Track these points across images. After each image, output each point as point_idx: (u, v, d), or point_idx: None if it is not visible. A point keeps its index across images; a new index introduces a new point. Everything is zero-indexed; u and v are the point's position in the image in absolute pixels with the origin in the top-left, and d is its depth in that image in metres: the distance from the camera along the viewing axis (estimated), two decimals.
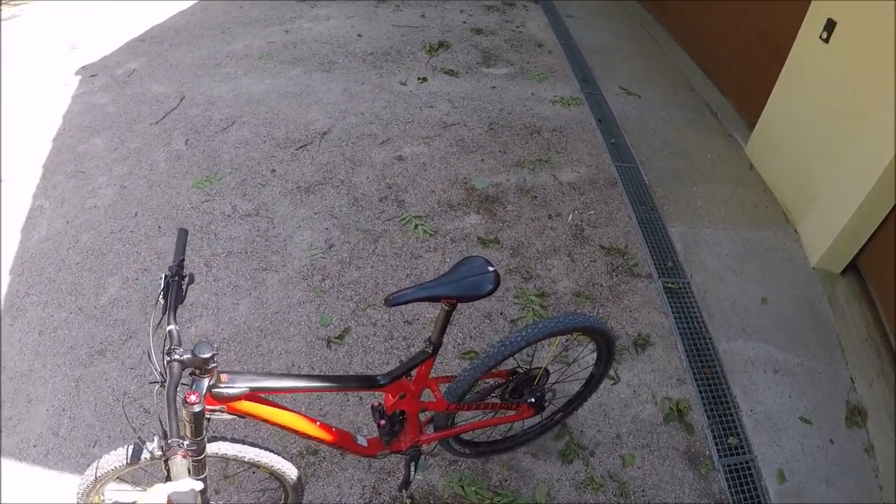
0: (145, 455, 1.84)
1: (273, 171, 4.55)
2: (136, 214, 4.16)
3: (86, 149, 4.79)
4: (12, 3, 7.46)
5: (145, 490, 1.45)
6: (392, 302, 1.91)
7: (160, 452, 1.65)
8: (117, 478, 2.00)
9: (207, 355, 1.61)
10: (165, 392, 1.56)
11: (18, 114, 5.28)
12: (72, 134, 5.00)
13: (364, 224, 4.15)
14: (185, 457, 1.51)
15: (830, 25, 4.09)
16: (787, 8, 4.82)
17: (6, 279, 3.75)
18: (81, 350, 3.36)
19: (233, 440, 1.97)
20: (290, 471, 2.17)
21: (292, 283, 3.75)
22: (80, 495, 2.00)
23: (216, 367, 1.68)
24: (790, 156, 4.61)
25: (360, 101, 5.43)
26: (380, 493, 2.82)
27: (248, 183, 4.43)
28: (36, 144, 4.86)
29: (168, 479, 1.74)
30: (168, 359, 1.60)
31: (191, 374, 1.66)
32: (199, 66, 5.92)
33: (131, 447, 1.86)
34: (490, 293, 2.02)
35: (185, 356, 1.60)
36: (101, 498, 2.13)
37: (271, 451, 2.08)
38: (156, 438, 1.67)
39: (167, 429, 1.64)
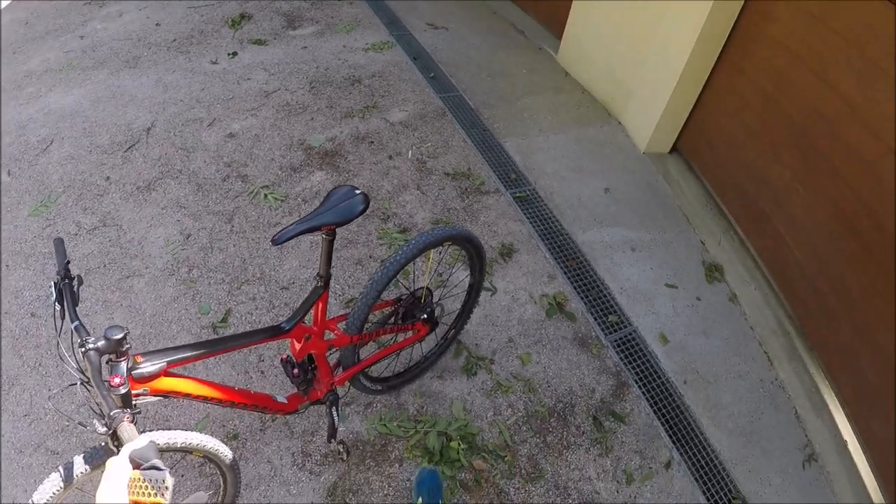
0: (105, 453, 1.79)
1: (107, 178, 4.27)
2: None
3: None
4: None
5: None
6: (277, 240, 1.90)
7: (105, 428, 1.59)
8: None
9: (120, 336, 1.59)
10: (91, 377, 1.57)
11: None
12: None
13: (214, 206, 4.00)
14: (130, 422, 1.50)
15: None
16: None
17: None
18: None
19: (160, 431, 1.91)
20: (223, 450, 2.12)
21: (160, 282, 3.57)
22: None
23: (130, 348, 1.67)
24: (601, 57, 4.86)
25: (176, 90, 5.17)
26: (310, 455, 2.80)
27: (85, 197, 4.13)
28: None
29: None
30: (83, 350, 1.60)
31: (107, 363, 1.65)
32: None
33: (62, 469, 1.79)
34: (363, 212, 2.07)
35: (100, 343, 1.59)
36: None
37: (201, 434, 2.03)
38: (95, 422, 1.61)
39: (103, 409, 1.61)
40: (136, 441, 1.33)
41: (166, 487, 1.20)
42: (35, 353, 3.25)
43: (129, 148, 4.54)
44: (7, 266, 3.69)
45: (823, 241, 3.18)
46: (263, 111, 4.87)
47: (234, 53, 5.64)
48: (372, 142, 4.52)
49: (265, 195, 4.06)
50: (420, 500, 2.10)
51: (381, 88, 5.13)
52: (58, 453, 2.84)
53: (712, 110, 4.03)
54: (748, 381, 3.19)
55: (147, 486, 1.20)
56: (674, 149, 4.45)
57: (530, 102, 4.96)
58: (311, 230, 1.98)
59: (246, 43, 5.83)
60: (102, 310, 3.43)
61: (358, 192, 2.10)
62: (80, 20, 6.56)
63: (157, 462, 1.25)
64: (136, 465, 1.26)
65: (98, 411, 1.63)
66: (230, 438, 2.86)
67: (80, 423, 1.79)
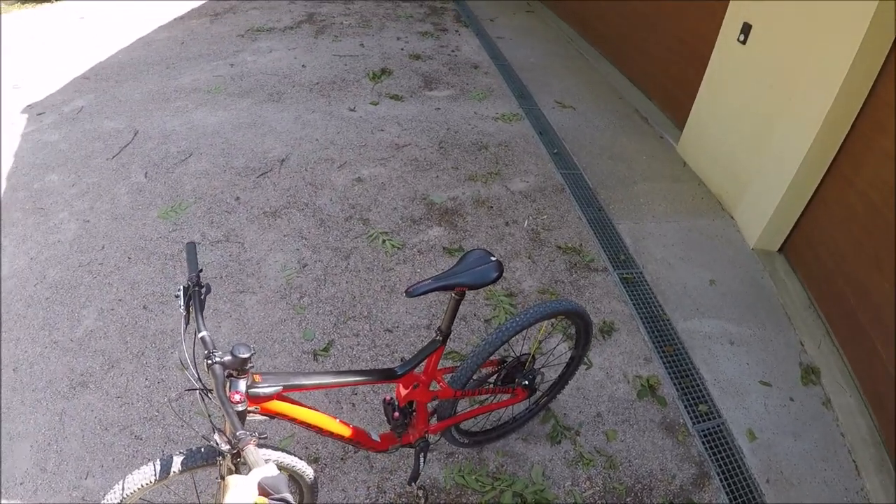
0: (204, 456, 1.90)
1: (237, 198, 4.66)
2: (103, 247, 4.19)
3: (42, 186, 4.79)
4: None
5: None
6: (412, 293, 2.05)
7: (228, 447, 1.67)
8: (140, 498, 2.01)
9: (246, 355, 1.70)
10: (216, 393, 1.63)
11: None
12: (25, 172, 5.00)
13: (333, 242, 4.30)
14: (256, 445, 1.52)
15: (746, 28, 4.49)
16: (704, 15, 5.22)
17: None
18: (62, 383, 3.34)
19: (258, 446, 2.02)
20: (307, 471, 2.26)
21: (271, 302, 3.86)
22: None
23: (252, 367, 1.78)
24: (719, 151, 4.98)
25: (314, 129, 5.58)
26: (384, 492, 2.94)
27: (213, 211, 4.52)
28: None
29: (235, 472, 1.83)
30: (208, 362, 1.67)
31: (227, 377, 1.73)
32: (148, 101, 5.98)
33: (158, 462, 1.89)
34: (496, 279, 2.21)
35: (226, 358, 1.68)
36: None
37: (291, 453, 2.17)
38: (217, 437, 1.69)
39: (222, 426, 1.74)
40: (265, 468, 1.37)
41: None
42: (140, 342, 3.57)
43: (262, 174, 4.94)
44: (129, 258, 4.08)
45: None
46: (392, 162, 5.20)
47: (375, 102, 6.01)
48: (491, 206, 4.76)
49: (383, 240, 4.34)
50: None
51: (506, 157, 5.39)
52: (141, 439, 3.08)
53: (819, 217, 4.08)
54: (833, 488, 3.17)
55: None
56: (783, 247, 4.50)
57: (646, 188, 5.11)
58: (444, 288, 2.12)
59: (384, 96, 6.24)
60: (212, 317, 3.73)
61: (493, 258, 2.25)
62: (233, 50, 7.18)
63: (289, 496, 1.29)
64: (264, 492, 1.30)
65: (211, 421, 1.75)
66: (311, 461, 3.02)
67: (203, 437, 1.85)
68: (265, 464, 1.41)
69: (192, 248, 2.05)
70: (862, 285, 3.63)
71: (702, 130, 5.27)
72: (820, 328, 3.92)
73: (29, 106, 6.06)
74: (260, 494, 1.30)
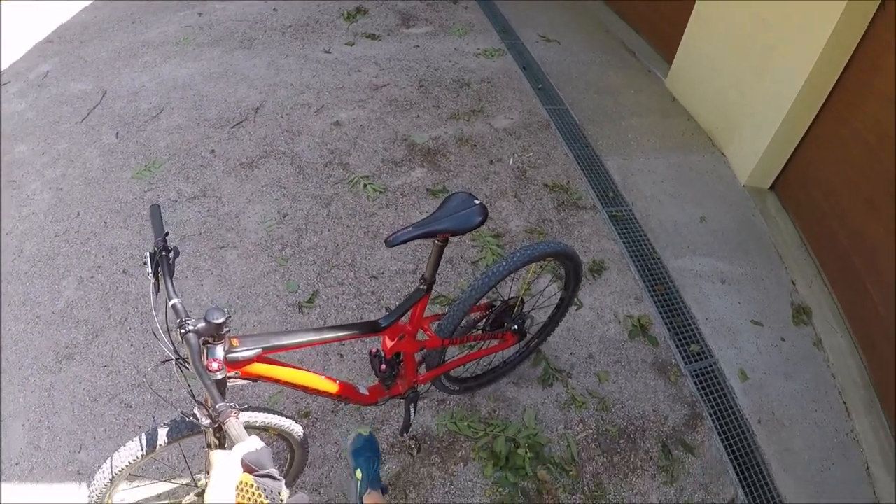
0: (188, 426, 1.86)
1: (212, 151, 4.49)
2: (78, 214, 4.03)
3: (11, 157, 4.56)
4: None
5: (164, 481, 1.36)
6: (392, 242, 1.95)
7: (209, 421, 1.62)
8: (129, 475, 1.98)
9: (221, 320, 1.60)
10: (192, 364, 1.54)
11: None
12: None
13: (313, 190, 4.16)
14: (237, 417, 1.43)
15: None
16: None
17: None
18: (47, 357, 3.25)
19: (242, 408, 1.96)
20: (296, 429, 2.20)
21: (252, 256, 3.74)
22: (93, 502, 1.95)
23: (228, 332, 1.68)
24: (710, 86, 4.83)
25: (288, 73, 5.38)
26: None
27: (188, 166, 4.36)
28: None
29: (219, 446, 1.78)
30: (182, 331, 1.57)
31: (203, 344, 1.64)
32: (115, 59, 5.72)
33: (144, 436, 1.84)
34: (480, 224, 2.11)
35: (200, 325, 1.59)
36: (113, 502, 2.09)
37: (277, 412, 2.10)
38: (197, 411, 1.65)
39: (202, 398, 1.65)
40: (247, 443, 1.30)
41: (282, 500, 1.19)
42: (122, 308, 3.46)
43: (237, 125, 4.76)
44: (105, 223, 3.94)
45: None
46: (371, 104, 5.03)
47: (351, 43, 5.81)
48: (475, 145, 4.61)
49: (364, 185, 4.20)
50: (359, 472, 2.03)
51: (489, 94, 5.22)
52: (131, 407, 3.02)
53: (813, 155, 3.98)
54: (823, 429, 3.14)
55: (259, 494, 1.19)
56: (774, 185, 4.40)
57: (635, 124, 4.98)
58: (426, 236, 2.03)
59: (359, 36, 6.02)
60: (193, 275, 3.62)
61: (477, 202, 2.13)
62: None
63: (274, 471, 1.24)
64: (248, 469, 1.24)
65: (191, 392, 1.66)
66: (301, 416, 2.98)
67: (182, 413, 1.78)
68: (248, 437, 1.34)
69: (156, 211, 1.92)
70: (855, 227, 3.56)
71: (692, 64, 5.11)
72: (811, 267, 3.86)
73: None
74: (244, 471, 1.23)
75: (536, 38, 6.17)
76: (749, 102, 4.33)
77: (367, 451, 2.08)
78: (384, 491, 1.86)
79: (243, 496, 1.18)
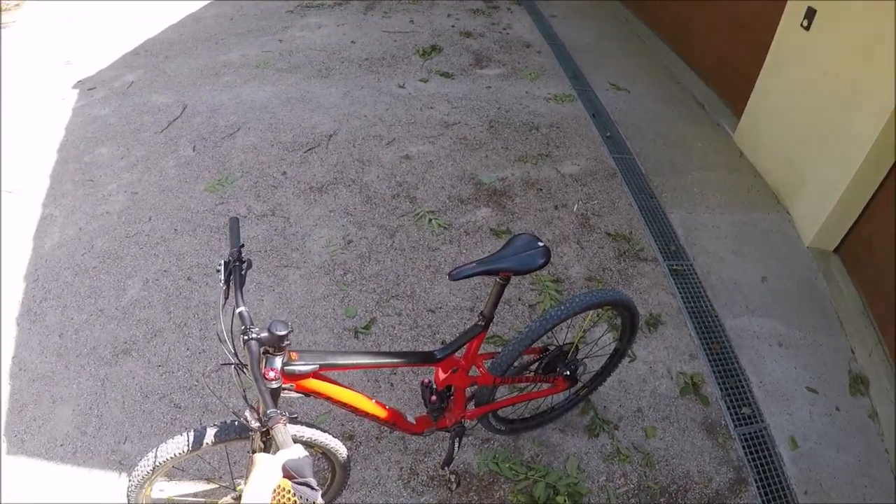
0: (237, 429, 1.93)
1: (284, 173, 4.67)
2: (150, 219, 4.25)
3: (92, 158, 4.87)
4: (8, 8, 7.52)
5: (203, 480, 1.42)
6: (455, 276, 2.03)
7: (258, 424, 1.68)
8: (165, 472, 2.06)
9: (283, 333, 1.68)
10: (251, 370, 1.62)
11: (18, 127, 5.35)
12: (76, 145, 5.08)
13: (379, 220, 4.28)
14: (285, 424, 1.50)
15: (811, 13, 4.29)
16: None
17: (21, 285, 3.82)
18: (105, 350, 3.43)
19: (293, 422, 2.00)
20: (341, 450, 2.27)
21: (314, 278, 3.86)
22: (132, 488, 2.05)
23: (289, 345, 1.76)
24: (778, 142, 4.81)
25: (362, 105, 5.55)
26: (417, 474, 2.94)
27: (260, 185, 4.54)
28: (40, 156, 4.95)
29: (264, 450, 1.85)
30: (245, 338, 1.66)
31: (263, 353, 1.73)
32: (197, 76, 6.01)
33: (192, 433, 1.92)
34: (542, 266, 2.17)
35: (263, 334, 1.67)
36: (151, 495, 2.18)
37: (325, 430, 2.17)
38: (248, 414, 1.70)
39: (255, 403, 1.73)
40: (291, 450, 1.37)
41: None
42: (183, 313, 3.62)
43: (310, 150, 4.93)
44: (175, 230, 4.13)
45: None
46: (441, 140, 5.15)
47: (425, 80, 5.95)
48: (541, 189, 4.68)
49: (430, 219, 4.30)
50: None
51: (557, 139, 5.29)
52: (180, 408, 3.14)
53: (880, 220, 3.91)
54: None
55: (294, 500, 1.24)
56: (836, 249, 4.35)
57: (701, 178, 4.98)
58: (489, 272, 2.09)
59: (433, 73, 6.17)
60: (255, 290, 3.75)
61: (541, 244, 2.20)
62: (281, 25, 7.17)
63: (312, 481, 1.29)
64: (288, 475, 1.29)
65: (244, 396, 1.73)
66: (346, 438, 3.04)
67: (233, 413, 1.88)
68: (292, 445, 1.41)
69: (234, 223, 2.04)
70: None
71: (760, 120, 5.10)
72: (872, 336, 3.79)
73: (80, 81, 6.12)
74: (284, 476, 1.29)
75: (607, 85, 6.24)
76: (817, 161, 4.30)
77: None
78: None
79: (279, 499, 1.24)
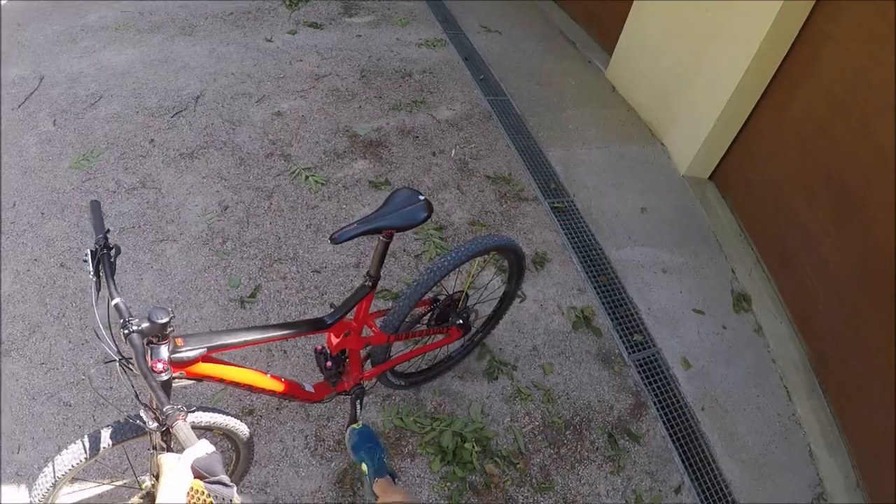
0: (133, 429, 1.80)
1: (152, 140, 4.35)
2: (14, 204, 3.85)
3: None
4: None
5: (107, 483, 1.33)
6: (337, 239, 1.92)
7: (156, 424, 1.56)
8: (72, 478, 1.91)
9: (165, 320, 1.55)
10: (137, 365, 1.48)
11: None
12: None
13: (254, 182, 4.07)
14: (185, 420, 1.38)
15: None
16: None
17: None
18: None
19: (188, 408, 1.90)
20: (242, 428, 2.15)
21: (193, 249, 3.63)
22: None
23: (172, 331, 1.64)
24: (649, 77, 4.88)
25: (229, 62, 5.25)
26: (323, 440, 2.85)
27: (127, 156, 4.22)
28: None
29: (168, 448, 1.71)
30: (125, 332, 1.52)
31: (147, 345, 1.60)
32: (53, 44, 5.50)
33: (86, 439, 1.78)
34: (425, 220, 2.09)
35: (143, 325, 1.54)
36: None
37: (223, 412, 2.05)
38: (143, 414, 1.59)
39: (147, 400, 1.60)
40: (197, 447, 1.27)
41: None
42: (60, 303, 3.32)
43: (177, 114, 4.62)
44: (42, 214, 3.78)
45: (849, 287, 3.18)
46: (313, 94, 4.95)
47: (293, 32, 5.70)
48: (417, 136, 4.58)
49: (306, 177, 4.13)
50: (364, 466, 2.03)
51: (431, 85, 5.18)
52: (70, 405, 2.90)
53: (751, 146, 4.05)
54: (765, 413, 3.21)
55: (210, 501, 1.17)
56: (711, 177, 4.47)
57: (576, 114, 5.00)
58: (372, 232, 2.00)
59: (301, 25, 5.91)
60: (132, 269, 3.50)
61: (422, 197, 2.12)
62: None
63: (225, 478, 1.22)
64: (198, 475, 1.22)
65: (136, 394, 1.61)
66: (245, 413, 2.91)
67: (128, 418, 1.75)
68: (196, 441, 1.30)
69: (96, 207, 1.85)
70: (794, 215, 3.63)
71: (631, 55, 5.15)
72: (751, 256, 3.93)
73: None
74: (195, 477, 1.21)
75: (478, 28, 6.16)
76: (688, 93, 4.38)
77: (366, 443, 2.03)
78: (393, 476, 1.83)
79: (194, 502, 1.17)
